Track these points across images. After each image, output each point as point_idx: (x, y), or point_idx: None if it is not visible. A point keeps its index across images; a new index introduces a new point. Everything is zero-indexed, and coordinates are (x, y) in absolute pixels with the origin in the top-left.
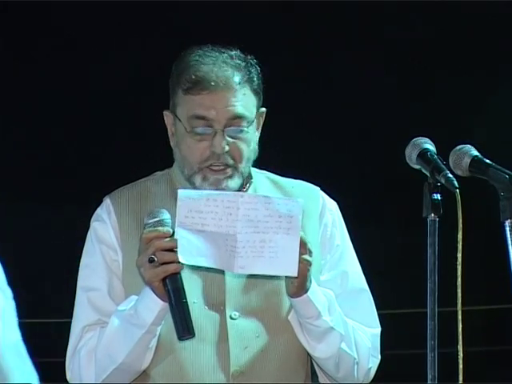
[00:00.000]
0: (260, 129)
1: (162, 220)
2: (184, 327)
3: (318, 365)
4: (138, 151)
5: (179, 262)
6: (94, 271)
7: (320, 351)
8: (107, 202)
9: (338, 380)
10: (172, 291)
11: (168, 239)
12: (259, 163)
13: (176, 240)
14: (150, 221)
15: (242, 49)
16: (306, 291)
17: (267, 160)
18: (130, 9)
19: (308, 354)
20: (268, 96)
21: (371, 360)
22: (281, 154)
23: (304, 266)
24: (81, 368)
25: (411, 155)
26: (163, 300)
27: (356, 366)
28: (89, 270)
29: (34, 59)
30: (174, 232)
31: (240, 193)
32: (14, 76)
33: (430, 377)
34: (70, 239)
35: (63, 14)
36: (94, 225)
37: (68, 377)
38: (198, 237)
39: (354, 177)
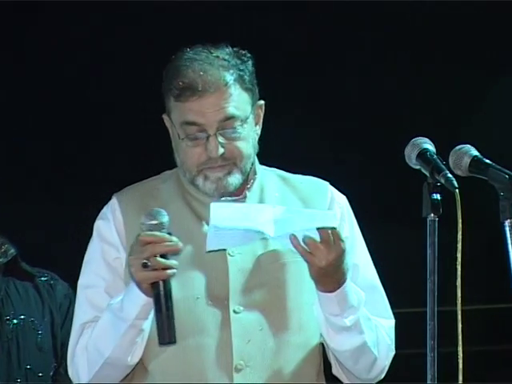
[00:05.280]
0: (261, 122)
1: (161, 223)
2: (168, 333)
3: (334, 355)
4: (148, 151)
5: (170, 269)
6: (92, 268)
7: (337, 343)
8: (113, 200)
9: (353, 371)
10: (161, 296)
11: (164, 244)
12: (265, 160)
13: (170, 245)
14: (148, 222)
15: (233, 45)
16: (338, 288)
17: (272, 159)
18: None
19: (320, 346)
20: (272, 95)
21: (389, 356)
22: (282, 155)
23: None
24: (77, 364)
25: (411, 155)
26: (147, 295)
27: (374, 364)
28: (87, 267)
29: (44, 57)
30: (170, 234)
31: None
32: (18, 74)
33: (429, 377)
34: (75, 239)
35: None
36: (98, 223)
37: (70, 374)
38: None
39: (352, 177)
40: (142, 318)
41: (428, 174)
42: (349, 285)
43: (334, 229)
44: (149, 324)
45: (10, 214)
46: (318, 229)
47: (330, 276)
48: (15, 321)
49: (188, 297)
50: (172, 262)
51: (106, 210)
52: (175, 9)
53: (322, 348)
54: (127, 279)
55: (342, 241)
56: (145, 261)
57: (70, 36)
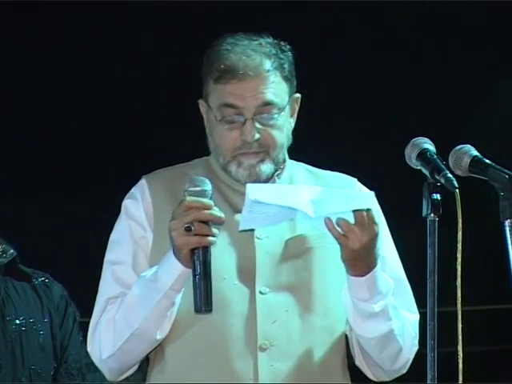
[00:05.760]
0: (295, 115)
1: (205, 191)
2: (205, 301)
3: (359, 345)
4: (148, 151)
5: (212, 236)
6: (120, 245)
7: (363, 330)
8: (142, 181)
9: (378, 361)
10: (201, 263)
11: (208, 211)
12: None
13: (215, 213)
14: (192, 188)
15: (274, 36)
16: (368, 272)
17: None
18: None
19: (344, 336)
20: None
21: (413, 350)
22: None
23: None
24: (101, 337)
25: (411, 155)
26: (184, 266)
27: (399, 354)
28: (115, 244)
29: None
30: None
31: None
32: (18, 74)
33: (429, 377)
34: (74, 240)
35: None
36: (126, 202)
37: (89, 349)
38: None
39: (352, 177)
40: (176, 290)
41: (428, 174)
42: (378, 270)
43: (368, 210)
44: (180, 298)
45: (9, 214)
46: (354, 211)
47: (361, 259)
48: (17, 321)
49: (215, 277)
50: (214, 229)
51: (134, 190)
52: (175, 9)
53: (346, 341)
54: (152, 260)
55: (376, 223)
56: (188, 225)
57: (71, 36)
